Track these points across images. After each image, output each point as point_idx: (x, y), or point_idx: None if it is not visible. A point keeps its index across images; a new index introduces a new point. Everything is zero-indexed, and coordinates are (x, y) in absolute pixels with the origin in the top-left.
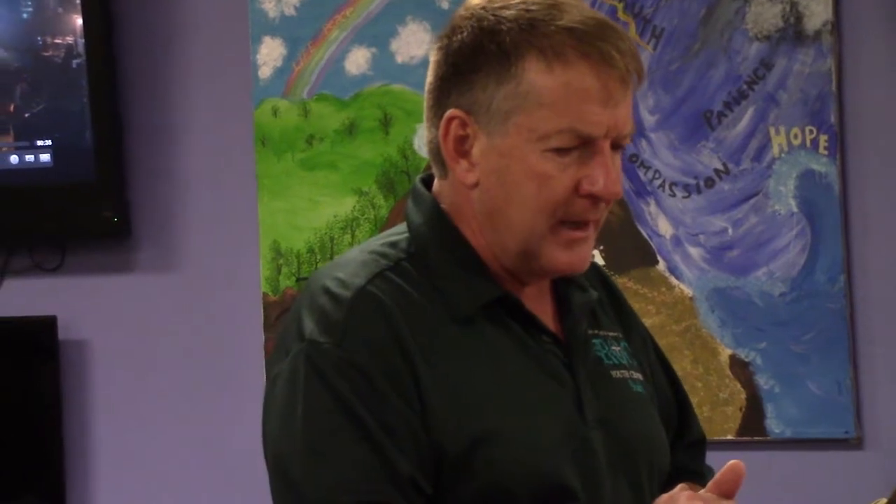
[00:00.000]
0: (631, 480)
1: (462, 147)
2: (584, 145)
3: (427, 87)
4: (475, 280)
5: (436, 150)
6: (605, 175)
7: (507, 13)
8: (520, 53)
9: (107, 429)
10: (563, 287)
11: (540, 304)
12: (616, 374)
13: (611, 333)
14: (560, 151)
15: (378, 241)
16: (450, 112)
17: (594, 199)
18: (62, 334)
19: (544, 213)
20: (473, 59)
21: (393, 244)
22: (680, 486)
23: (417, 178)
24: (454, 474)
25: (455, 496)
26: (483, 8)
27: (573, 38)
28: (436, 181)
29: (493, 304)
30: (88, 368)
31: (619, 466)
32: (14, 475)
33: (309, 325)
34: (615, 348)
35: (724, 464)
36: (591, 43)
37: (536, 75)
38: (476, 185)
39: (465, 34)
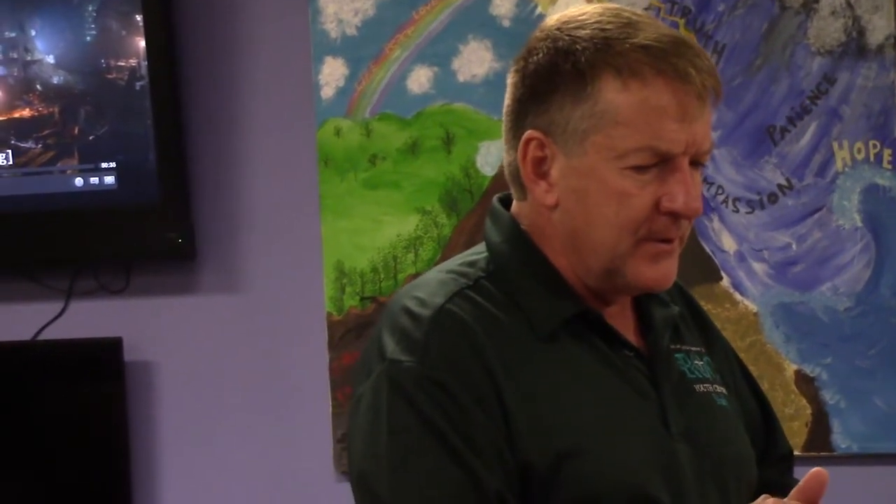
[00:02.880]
0: (719, 493)
1: (541, 168)
2: (662, 162)
3: (505, 109)
4: (556, 296)
5: (515, 173)
6: (685, 192)
7: (582, 33)
8: (595, 73)
9: (173, 449)
10: (645, 303)
11: (622, 320)
12: (700, 388)
13: (693, 348)
14: (639, 169)
15: (457, 262)
16: (528, 134)
17: (675, 216)
18: (128, 356)
19: (626, 232)
20: (549, 80)
21: (472, 263)
22: (763, 496)
23: (495, 198)
24: (541, 489)
25: None
26: (558, 29)
27: (648, 56)
28: (514, 203)
29: (574, 320)
30: (154, 390)
31: (705, 479)
32: (82, 497)
33: (390, 345)
34: (698, 363)
35: None
36: (667, 60)
37: (612, 94)
38: (556, 205)
39: (540, 55)
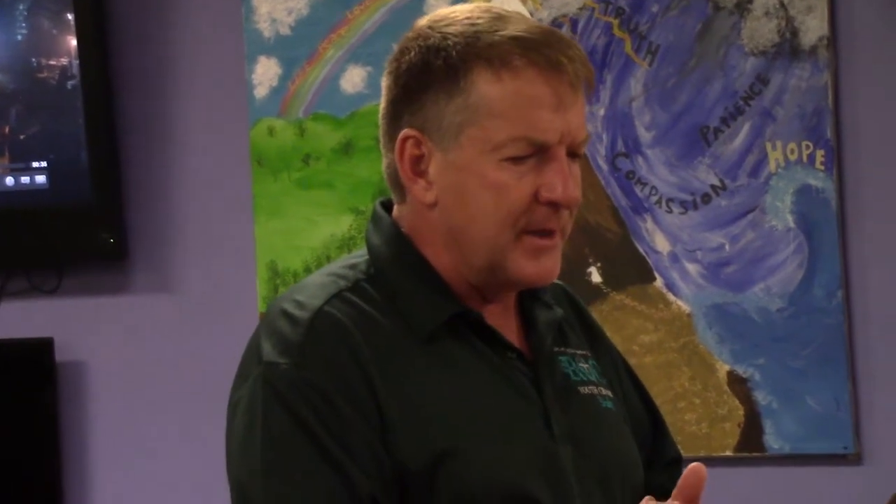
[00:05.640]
0: (603, 494)
1: (418, 167)
2: (539, 153)
3: (380, 112)
4: (435, 297)
5: (393, 175)
6: (563, 181)
7: (453, 29)
8: (467, 66)
9: (105, 451)
10: (528, 305)
11: (504, 321)
12: (584, 390)
13: (578, 351)
14: (515, 160)
15: (337, 265)
16: (403, 133)
17: (554, 205)
18: (59, 356)
19: (506, 224)
20: (422, 78)
21: (352, 266)
22: (646, 498)
23: (377, 202)
24: (419, 491)
25: None
26: (429, 27)
27: (520, 47)
28: (395, 207)
29: (455, 321)
30: (85, 390)
31: (590, 481)
32: (12, 498)
33: (267, 348)
34: (583, 365)
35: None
36: (538, 50)
37: (485, 86)
38: (435, 203)
39: (412, 54)
